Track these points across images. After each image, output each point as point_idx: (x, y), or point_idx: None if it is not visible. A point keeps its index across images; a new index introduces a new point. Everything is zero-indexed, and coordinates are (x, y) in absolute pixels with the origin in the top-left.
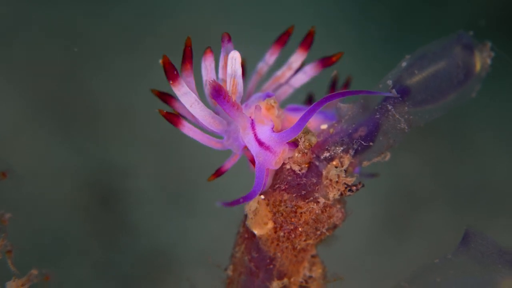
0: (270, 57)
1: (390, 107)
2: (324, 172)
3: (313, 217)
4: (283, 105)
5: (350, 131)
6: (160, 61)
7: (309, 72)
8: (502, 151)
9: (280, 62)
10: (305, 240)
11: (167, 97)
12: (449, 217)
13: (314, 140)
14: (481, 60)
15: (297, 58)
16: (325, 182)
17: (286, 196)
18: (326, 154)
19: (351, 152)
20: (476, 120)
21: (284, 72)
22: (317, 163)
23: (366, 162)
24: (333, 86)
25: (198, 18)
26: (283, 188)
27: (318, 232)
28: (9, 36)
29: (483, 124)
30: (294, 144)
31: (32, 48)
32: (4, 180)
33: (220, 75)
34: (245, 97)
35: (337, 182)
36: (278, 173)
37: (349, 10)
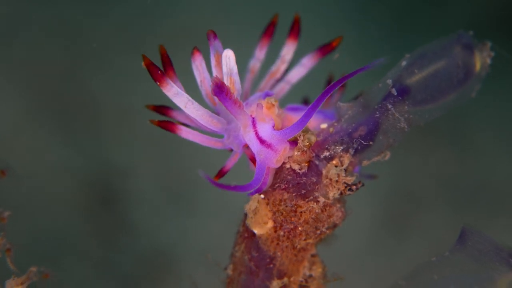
0: (260, 52)
1: (390, 106)
2: (324, 171)
3: (313, 216)
4: (283, 103)
5: (350, 130)
6: (143, 63)
7: (307, 63)
8: (502, 151)
9: (273, 60)
10: (305, 239)
11: (164, 109)
12: (449, 217)
13: (313, 139)
14: (481, 60)
15: (288, 49)
16: (325, 181)
17: (286, 195)
18: (326, 153)
19: (351, 151)
20: (476, 120)
21: (279, 67)
22: (317, 162)
23: (366, 161)
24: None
25: (198, 18)
26: (283, 187)
27: (318, 231)
28: (9, 36)
29: (483, 124)
30: (295, 143)
31: (32, 48)
32: (3, 179)
33: (214, 74)
34: (243, 96)
35: (337, 181)
36: (278, 172)
37: (349, 10)
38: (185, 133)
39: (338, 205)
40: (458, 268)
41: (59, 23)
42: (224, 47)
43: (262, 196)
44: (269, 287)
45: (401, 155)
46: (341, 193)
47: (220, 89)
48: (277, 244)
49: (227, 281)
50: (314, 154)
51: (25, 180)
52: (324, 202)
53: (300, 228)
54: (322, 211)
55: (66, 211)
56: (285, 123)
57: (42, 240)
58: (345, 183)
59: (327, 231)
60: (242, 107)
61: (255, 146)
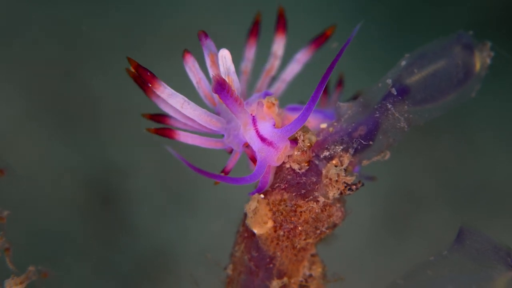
0: (249, 52)
1: (389, 106)
2: (323, 171)
3: (312, 216)
4: (281, 103)
5: (349, 130)
6: (131, 67)
7: (301, 59)
8: (502, 151)
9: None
10: (304, 239)
11: (160, 118)
12: (449, 217)
13: (314, 139)
14: (481, 60)
15: (278, 45)
16: (324, 181)
17: (285, 195)
18: (326, 153)
19: (351, 151)
20: (476, 120)
21: (272, 63)
22: (316, 162)
23: (366, 161)
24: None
25: (198, 18)
26: (283, 187)
27: (318, 231)
28: (9, 36)
29: (483, 124)
30: (295, 142)
31: (32, 48)
32: (3, 178)
33: (211, 74)
34: (241, 97)
35: (336, 181)
36: (278, 172)
37: (349, 10)
38: (183, 137)
39: (338, 205)
40: (457, 267)
41: (59, 23)
42: (224, 47)
43: (262, 195)
44: (269, 287)
45: (401, 155)
46: (341, 193)
47: (221, 86)
48: (277, 244)
49: (227, 281)
50: (314, 154)
51: (25, 180)
52: (324, 202)
53: (300, 228)
54: (322, 211)
55: (66, 211)
56: (285, 123)
57: (42, 240)
58: (345, 182)
59: (327, 231)
60: (243, 105)
61: (256, 144)
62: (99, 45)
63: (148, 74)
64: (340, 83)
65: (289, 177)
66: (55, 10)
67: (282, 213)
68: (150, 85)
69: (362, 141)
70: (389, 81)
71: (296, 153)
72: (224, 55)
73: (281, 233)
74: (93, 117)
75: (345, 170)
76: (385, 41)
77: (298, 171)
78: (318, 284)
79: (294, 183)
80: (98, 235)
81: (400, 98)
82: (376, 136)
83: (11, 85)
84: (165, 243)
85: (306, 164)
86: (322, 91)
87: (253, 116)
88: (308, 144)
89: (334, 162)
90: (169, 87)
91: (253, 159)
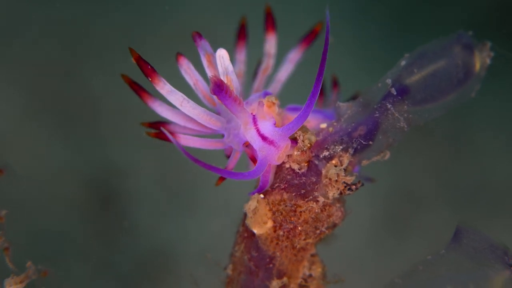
0: (240, 55)
1: (389, 106)
2: (323, 171)
3: (312, 216)
4: (280, 103)
5: (349, 130)
6: (132, 59)
7: (293, 58)
8: (502, 151)
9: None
10: (304, 239)
11: (159, 125)
12: (449, 217)
13: (313, 139)
14: (480, 60)
15: (270, 43)
16: (324, 181)
17: (285, 195)
18: (326, 153)
19: (351, 151)
20: (476, 120)
21: (267, 63)
22: (316, 162)
23: (366, 161)
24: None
25: (198, 18)
26: (283, 187)
27: (318, 231)
28: (9, 36)
29: (483, 124)
30: (295, 141)
31: (32, 48)
32: (2, 177)
33: (208, 74)
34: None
35: (336, 181)
36: (278, 172)
37: (349, 10)
38: (183, 140)
39: (338, 205)
40: (454, 267)
41: (59, 23)
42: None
43: (261, 195)
44: (269, 287)
45: (401, 155)
46: (340, 193)
47: (219, 87)
48: (277, 244)
49: (226, 281)
50: (313, 154)
51: (25, 180)
52: (324, 201)
53: (299, 228)
54: (321, 210)
55: (66, 211)
56: (285, 123)
57: (42, 240)
58: (344, 182)
59: (327, 231)
60: (242, 104)
61: (257, 143)
62: (99, 45)
63: (149, 67)
64: (335, 83)
65: (288, 177)
66: (55, 10)
67: (281, 213)
68: (150, 80)
69: (362, 141)
70: (389, 81)
71: (295, 153)
72: (222, 54)
73: (281, 233)
74: (93, 117)
75: (345, 170)
76: (385, 41)
77: (298, 171)
78: (318, 284)
79: (294, 183)
80: (98, 235)
81: (400, 98)
82: (376, 136)
83: (11, 85)
84: (165, 243)
85: (305, 164)
86: (320, 86)
87: (254, 115)
88: (308, 144)
89: (333, 162)
90: (169, 84)
91: (253, 159)
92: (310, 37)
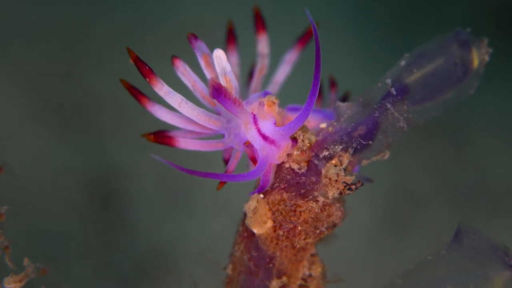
0: (232, 58)
1: (389, 106)
2: (323, 171)
3: (312, 216)
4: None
5: (349, 129)
6: (130, 59)
7: (290, 59)
8: (502, 151)
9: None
10: (304, 239)
11: (160, 133)
12: (449, 217)
13: (313, 138)
14: (479, 57)
15: (262, 44)
16: (324, 181)
17: (285, 195)
18: (325, 153)
19: (350, 150)
20: (476, 120)
21: (262, 62)
22: (316, 161)
23: (365, 161)
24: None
25: (198, 18)
26: (283, 187)
27: (318, 231)
28: (9, 36)
29: (483, 124)
30: (295, 141)
31: (32, 48)
32: (1, 176)
33: (207, 75)
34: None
35: (336, 180)
36: (277, 172)
37: (349, 10)
38: (183, 143)
39: (338, 205)
40: (455, 267)
41: (59, 23)
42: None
43: (261, 195)
44: (269, 287)
45: (401, 155)
46: (340, 193)
47: (218, 91)
48: (277, 243)
49: (226, 281)
50: (313, 154)
51: (25, 180)
52: (324, 201)
53: (299, 228)
54: (321, 210)
55: (66, 211)
56: (285, 123)
57: (42, 240)
58: (344, 182)
59: (327, 231)
60: (242, 105)
61: (258, 142)
62: (99, 45)
63: (147, 68)
64: (333, 84)
65: (288, 177)
66: (55, 10)
67: (281, 213)
68: (148, 81)
69: (362, 141)
70: (389, 81)
71: (295, 152)
72: (219, 55)
73: (281, 233)
74: (93, 117)
75: (345, 170)
76: (385, 41)
77: (298, 171)
78: (318, 284)
79: (294, 183)
80: (98, 235)
81: (399, 98)
82: (376, 136)
83: (11, 85)
84: (165, 243)
85: (305, 164)
86: (318, 84)
87: (254, 115)
88: (308, 143)
89: (333, 161)
90: (167, 86)
91: (253, 159)
92: (305, 38)
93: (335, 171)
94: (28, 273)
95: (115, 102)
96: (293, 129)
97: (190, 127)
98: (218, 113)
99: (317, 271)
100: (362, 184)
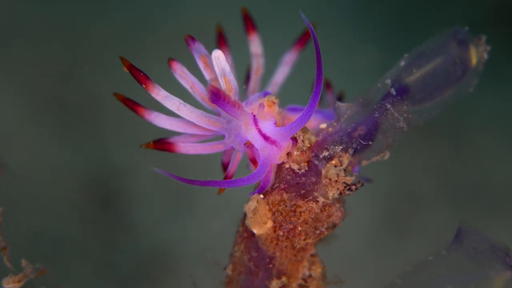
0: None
1: (389, 106)
2: (323, 171)
3: (312, 216)
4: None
5: (349, 130)
6: (124, 68)
7: (289, 60)
8: (502, 151)
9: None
10: (304, 239)
11: (162, 141)
12: (449, 217)
13: (313, 139)
14: (477, 54)
15: (254, 44)
16: (324, 181)
17: (285, 195)
18: (325, 153)
19: (350, 151)
20: (476, 120)
21: (258, 63)
22: (316, 162)
23: (365, 161)
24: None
25: (198, 18)
26: (283, 187)
27: (318, 231)
28: (9, 36)
29: (483, 124)
30: (295, 141)
31: (32, 48)
32: (0, 176)
33: (206, 77)
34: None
35: (336, 181)
36: (278, 172)
37: (349, 10)
38: (184, 148)
39: (338, 205)
40: (455, 267)
41: (59, 23)
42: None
43: (261, 196)
44: (269, 287)
45: (401, 155)
46: (340, 193)
47: (216, 96)
48: (277, 244)
49: (226, 281)
50: (313, 154)
51: (25, 180)
52: (324, 202)
53: (299, 228)
54: (321, 211)
55: (66, 211)
56: (286, 123)
57: (42, 240)
58: (344, 183)
59: (327, 231)
60: (242, 107)
61: (259, 143)
62: (99, 45)
63: (142, 75)
64: (328, 85)
65: (288, 177)
66: (55, 10)
67: (281, 213)
68: (144, 87)
69: (362, 141)
70: (388, 81)
71: (295, 153)
72: (217, 56)
73: (281, 233)
74: (93, 117)
75: (345, 170)
76: (385, 41)
77: (298, 171)
78: (318, 284)
79: (294, 183)
80: (98, 235)
81: (399, 98)
82: (376, 136)
83: (11, 85)
84: (165, 243)
85: (305, 164)
86: (321, 85)
87: (254, 115)
88: (308, 144)
89: (333, 162)
90: (163, 90)
91: (253, 160)
92: (304, 39)
93: (335, 171)
94: (27, 274)
95: (115, 102)
96: (295, 130)
97: (190, 130)
98: (218, 114)
99: (317, 271)
100: (362, 185)
